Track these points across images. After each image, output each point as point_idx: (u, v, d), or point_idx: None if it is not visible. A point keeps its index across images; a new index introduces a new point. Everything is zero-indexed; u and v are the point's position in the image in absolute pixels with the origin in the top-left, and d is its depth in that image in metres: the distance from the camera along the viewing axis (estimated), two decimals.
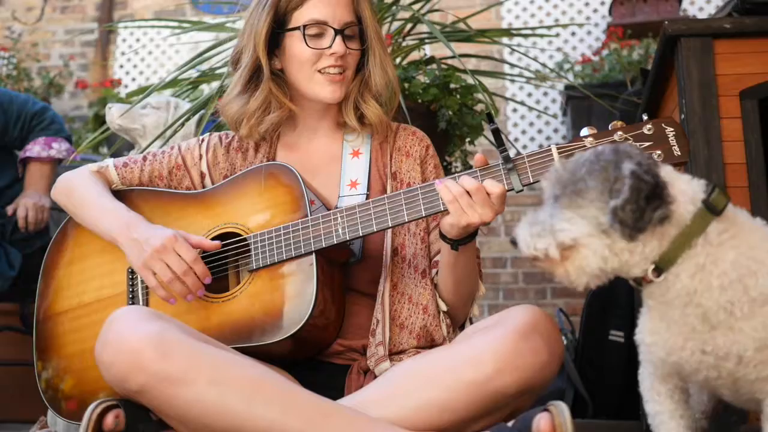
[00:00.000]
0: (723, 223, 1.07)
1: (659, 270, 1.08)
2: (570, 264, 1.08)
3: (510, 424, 1.18)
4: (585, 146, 1.32)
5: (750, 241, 1.08)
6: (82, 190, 1.59)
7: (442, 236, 1.40)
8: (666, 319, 1.10)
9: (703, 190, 1.09)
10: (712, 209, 1.07)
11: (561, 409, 1.13)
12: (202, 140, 1.68)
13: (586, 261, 1.07)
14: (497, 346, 1.22)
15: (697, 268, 1.06)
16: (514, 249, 1.15)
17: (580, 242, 1.07)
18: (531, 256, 1.10)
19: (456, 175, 1.36)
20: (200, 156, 1.65)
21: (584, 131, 1.34)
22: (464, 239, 1.38)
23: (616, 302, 2.51)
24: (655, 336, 1.13)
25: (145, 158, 1.67)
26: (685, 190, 1.07)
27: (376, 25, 1.59)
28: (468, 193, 1.30)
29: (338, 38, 1.51)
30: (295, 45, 1.53)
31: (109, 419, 1.18)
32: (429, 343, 1.46)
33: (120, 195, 1.62)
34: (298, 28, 1.52)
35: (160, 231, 1.45)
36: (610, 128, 1.33)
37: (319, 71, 1.53)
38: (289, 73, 1.57)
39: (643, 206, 1.01)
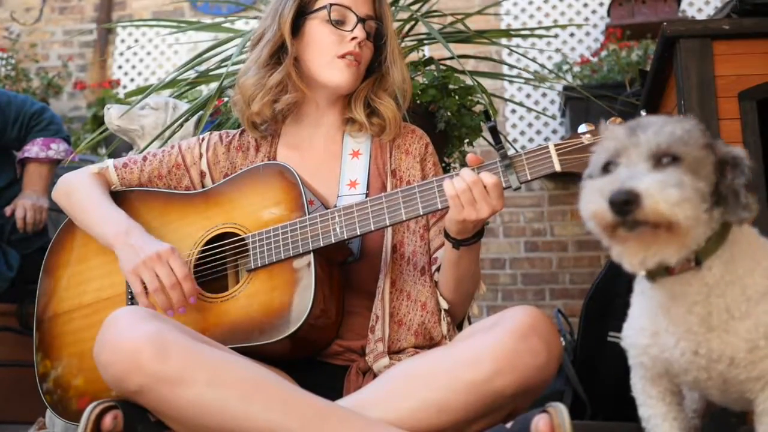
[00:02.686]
0: None
1: (697, 260, 1.03)
2: (684, 238, 0.97)
3: (509, 425, 1.18)
4: (582, 143, 1.32)
5: (749, 239, 1.07)
6: (82, 193, 1.59)
7: (446, 234, 1.41)
8: (668, 317, 1.08)
9: None
10: None
11: (560, 410, 1.12)
12: (203, 139, 1.68)
13: (699, 237, 0.99)
14: (496, 347, 1.21)
15: (724, 262, 1.03)
16: (611, 209, 0.93)
17: (703, 216, 0.97)
18: (661, 219, 0.93)
19: (455, 173, 1.37)
20: (200, 155, 1.65)
21: (582, 128, 1.35)
22: (467, 240, 1.39)
23: (614, 303, 2.51)
24: (655, 337, 1.11)
25: (145, 158, 1.67)
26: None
27: (393, 30, 1.63)
28: (470, 188, 1.31)
29: (360, 25, 1.55)
30: (317, 28, 1.56)
31: (108, 420, 1.17)
32: (427, 340, 1.46)
33: (119, 196, 1.62)
34: (324, 7, 1.55)
35: (157, 242, 1.45)
36: (608, 123, 1.33)
37: (339, 57, 1.54)
38: (305, 59, 1.59)
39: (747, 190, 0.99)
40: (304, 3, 1.58)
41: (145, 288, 1.42)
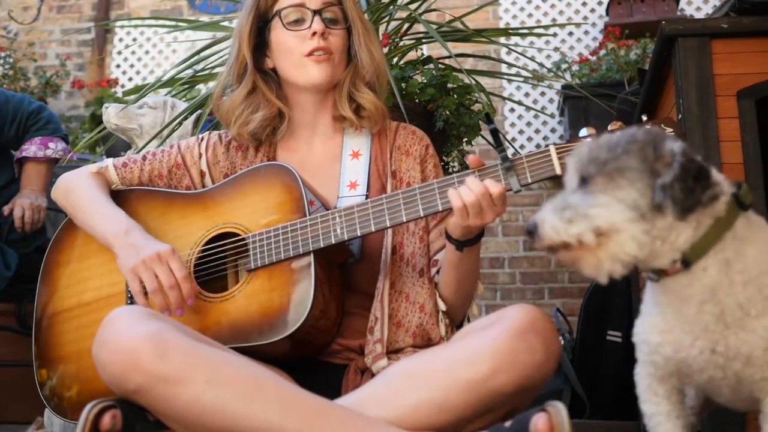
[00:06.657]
0: (744, 219, 1.06)
1: (686, 262, 1.03)
2: (603, 251, 1.01)
3: (507, 424, 1.17)
4: None
5: (762, 236, 1.07)
6: (82, 192, 1.59)
7: (448, 236, 1.40)
8: (680, 316, 1.08)
9: (730, 184, 1.06)
10: (740, 203, 1.05)
11: (558, 409, 1.12)
12: (202, 138, 1.68)
13: (622, 247, 1.00)
14: (494, 345, 1.21)
15: (724, 262, 1.03)
16: (529, 239, 1.06)
17: (617, 227, 1.00)
18: (558, 244, 1.02)
19: (456, 175, 1.36)
20: (200, 155, 1.65)
21: (583, 132, 1.34)
22: (469, 241, 1.39)
23: (613, 302, 2.51)
24: (666, 335, 1.10)
25: (144, 158, 1.67)
26: (719, 180, 1.04)
27: (358, 8, 1.62)
28: (478, 200, 1.31)
29: (316, 17, 1.54)
30: (279, 35, 1.57)
31: (106, 420, 1.17)
32: (425, 342, 1.46)
33: (119, 195, 1.62)
34: (277, 14, 1.56)
35: (157, 243, 1.45)
36: (609, 129, 1.33)
37: (306, 56, 1.54)
38: (280, 67, 1.59)
39: (691, 186, 0.99)
40: (263, 15, 1.59)
41: (144, 289, 1.42)
